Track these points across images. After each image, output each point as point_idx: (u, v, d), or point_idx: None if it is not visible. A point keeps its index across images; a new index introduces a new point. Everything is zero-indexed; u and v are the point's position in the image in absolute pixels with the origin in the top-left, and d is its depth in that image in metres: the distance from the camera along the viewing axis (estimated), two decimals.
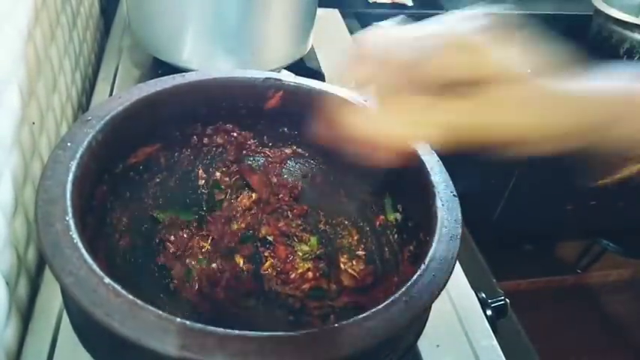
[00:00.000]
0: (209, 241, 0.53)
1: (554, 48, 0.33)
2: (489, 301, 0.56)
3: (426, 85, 0.30)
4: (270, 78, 0.51)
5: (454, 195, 0.42)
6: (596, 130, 0.32)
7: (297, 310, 0.49)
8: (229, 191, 0.55)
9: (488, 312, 0.55)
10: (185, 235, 0.52)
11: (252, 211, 0.55)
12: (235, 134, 0.54)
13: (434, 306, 0.38)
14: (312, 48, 0.85)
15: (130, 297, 0.31)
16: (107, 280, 0.31)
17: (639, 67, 0.34)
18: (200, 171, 0.55)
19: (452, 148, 0.31)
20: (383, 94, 0.32)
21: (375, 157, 0.33)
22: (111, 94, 0.77)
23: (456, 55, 0.30)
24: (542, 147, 0.31)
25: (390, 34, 0.32)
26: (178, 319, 0.30)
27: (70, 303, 0.39)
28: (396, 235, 0.49)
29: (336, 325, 0.32)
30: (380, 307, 0.33)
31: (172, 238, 0.51)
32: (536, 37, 0.33)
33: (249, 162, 0.56)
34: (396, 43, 0.32)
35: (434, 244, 0.38)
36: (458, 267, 0.58)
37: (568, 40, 0.33)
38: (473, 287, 0.57)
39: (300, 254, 0.53)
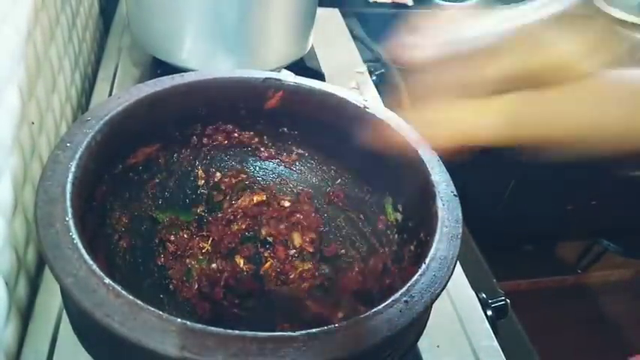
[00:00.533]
0: (209, 241, 0.53)
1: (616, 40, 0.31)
2: (489, 301, 0.56)
3: (488, 83, 0.29)
4: (270, 78, 0.51)
5: (455, 195, 0.42)
6: None
7: (298, 310, 0.49)
8: (230, 192, 0.55)
9: (489, 312, 0.55)
10: (185, 236, 0.52)
11: (252, 212, 0.55)
12: (235, 134, 0.54)
13: (434, 306, 0.38)
14: (312, 48, 0.85)
15: (130, 297, 0.31)
16: (107, 280, 0.31)
17: None
18: (200, 171, 0.54)
19: (507, 145, 0.29)
20: (446, 94, 0.30)
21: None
22: (110, 94, 0.77)
23: (524, 49, 0.29)
24: (601, 146, 0.30)
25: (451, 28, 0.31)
26: (178, 320, 0.30)
27: (69, 304, 0.39)
28: (396, 235, 0.49)
29: (336, 325, 0.32)
30: (380, 307, 0.33)
31: (172, 238, 0.51)
32: (604, 29, 0.32)
33: (250, 162, 0.56)
34: (458, 38, 0.30)
35: (434, 244, 0.38)
36: (458, 267, 0.58)
37: None
38: (473, 287, 0.57)
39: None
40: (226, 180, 0.55)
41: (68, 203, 0.35)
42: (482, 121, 0.29)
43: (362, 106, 0.49)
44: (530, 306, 0.89)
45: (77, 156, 0.39)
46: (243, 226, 0.54)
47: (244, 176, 0.56)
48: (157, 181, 0.51)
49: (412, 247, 0.45)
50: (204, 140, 0.53)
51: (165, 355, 0.29)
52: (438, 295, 0.35)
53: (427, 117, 0.30)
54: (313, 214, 0.55)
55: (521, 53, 0.29)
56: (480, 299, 0.56)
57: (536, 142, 0.30)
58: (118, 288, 0.31)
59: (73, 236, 0.33)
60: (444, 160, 0.44)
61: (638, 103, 0.30)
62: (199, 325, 0.30)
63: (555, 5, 0.29)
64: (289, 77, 0.52)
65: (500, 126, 0.29)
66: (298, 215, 0.55)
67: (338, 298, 0.49)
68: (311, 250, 0.53)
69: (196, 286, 0.49)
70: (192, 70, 0.51)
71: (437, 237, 0.39)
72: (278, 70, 0.75)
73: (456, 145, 0.30)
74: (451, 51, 0.30)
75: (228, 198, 0.55)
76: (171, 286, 0.49)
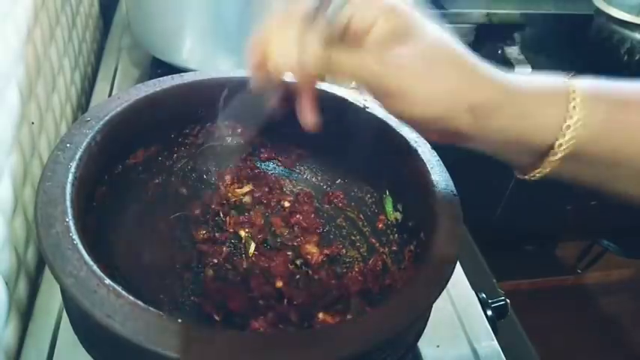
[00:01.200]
0: (209, 241, 0.53)
1: None
2: (490, 301, 0.56)
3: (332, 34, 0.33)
4: None
5: (455, 195, 0.42)
6: (475, 112, 0.34)
7: (303, 309, 0.49)
8: (229, 192, 0.55)
9: (489, 312, 0.55)
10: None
11: (253, 213, 0.55)
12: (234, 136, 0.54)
13: (434, 306, 0.38)
14: None
15: (131, 298, 0.31)
16: (108, 281, 0.31)
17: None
18: (199, 172, 0.54)
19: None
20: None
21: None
22: (110, 93, 0.77)
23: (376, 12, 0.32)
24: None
25: None
26: (179, 321, 0.30)
27: (70, 304, 0.39)
28: (396, 235, 0.49)
29: (337, 325, 0.32)
30: (380, 307, 0.33)
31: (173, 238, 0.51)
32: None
33: (250, 162, 0.56)
34: None
35: (434, 244, 0.38)
36: (458, 267, 0.58)
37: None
38: (473, 287, 0.57)
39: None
40: (226, 180, 0.55)
41: (68, 204, 0.35)
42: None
43: (362, 106, 0.49)
44: (530, 306, 0.89)
45: (77, 156, 0.39)
46: (246, 228, 0.54)
47: (244, 176, 0.56)
48: (157, 181, 0.51)
49: (412, 247, 0.45)
50: (204, 140, 0.53)
51: (165, 356, 0.29)
52: (438, 295, 0.35)
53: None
54: (313, 215, 0.54)
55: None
56: (480, 299, 0.56)
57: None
58: (119, 289, 0.31)
59: (74, 237, 0.33)
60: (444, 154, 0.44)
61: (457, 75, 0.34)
62: (200, 326, 0.30)
63: None
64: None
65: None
66: (298, 215, 0.55)
67: (347, 302, 0.48)
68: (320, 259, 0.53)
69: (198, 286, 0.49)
70: (192, 70, 0.51)
71: (437, 237, 0.39)
72: None
73: None
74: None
75: (228, 198, 0.55)
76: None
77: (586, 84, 0.34)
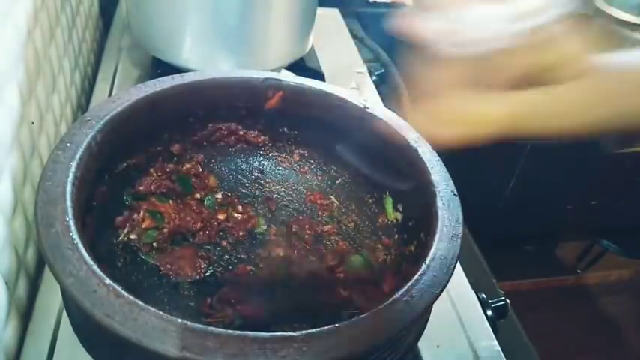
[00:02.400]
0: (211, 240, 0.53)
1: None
2: (490, 301, 0.56)
3: (495, 80, 0.30)
4: (269, 78, 0.51)
5: (455, 194, 0.42)
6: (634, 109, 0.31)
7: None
8: (229, 192, 0.55)
9: (489, 312, 0.55)
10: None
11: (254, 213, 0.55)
12: (235, 135, 0.54)
13: (434, 306, 0.38)
14: (312, 48, 0.85)
15: (131, 297, 0.31)
16: (107, 280, 0.31)
17: None
18: (199, 172, 0.54)
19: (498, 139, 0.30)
20: (450, 92, 0.31)
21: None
22: (110, 93, 0.77)
23: (530, 50, 0.30)
24: (589, 131, 0.31)
25: (454, 24, 0.31)
26: (179, 320, 0.30)
27: (70, 304, 0.39)
28: (396, 235, 0.49)
29: (337, 325, 0.32)
30: (380, 307, 0.33)
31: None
32: (604, 29, 0.33)
33: (250, 162, 0.56)
34: (464, 37, 0.31)
35: (435, 244, 0.38)
36: (458, 267, 0.58)
37: None
38: (473, 287, 0.57)
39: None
40: (226, 180, 0.55)
41: (68, 203, 0.36)
42: (496, 113, 0.30)
43: (362, 106, 0.49)
44: (530, 306, 0.89)
45: (77, 156, 0.39)
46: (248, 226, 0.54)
47: (244, 177, 0.56)
48: (157, 181, 0.51)
49: (412, 247, 0.45)
50: (204, 140, 0.53)
51: (165, 355, 0.29)
52: (438, 295, 0.35)
53: (440, 108, 0.31)
54: (313, 214, 0.54)
55: (532, 54, 0.30)
56: (480, 299, 0.56)
57: (542, 134, 0.31)
58: (119, 288, 0.31)
59: (74, 236, 0.33)
60: (444, 154, 0.44)
61: (628, 90, 0.31)
62: (200, 326, 0.30)
63: (559, 8, 0.30)
64: (289, 77, 0.52)
65: (513, 118, 0.30)
66: (299, 217, 0.55)
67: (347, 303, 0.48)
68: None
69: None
70: (193, 70, 0.51)
71: (437, 237, 0.39)
72: (278, 70, 0.75)
73: (462, 139, 0.31)
74: (466, 51, 0.30)
75: (229, 198, 0.55)
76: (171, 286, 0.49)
77: None
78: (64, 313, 0.45)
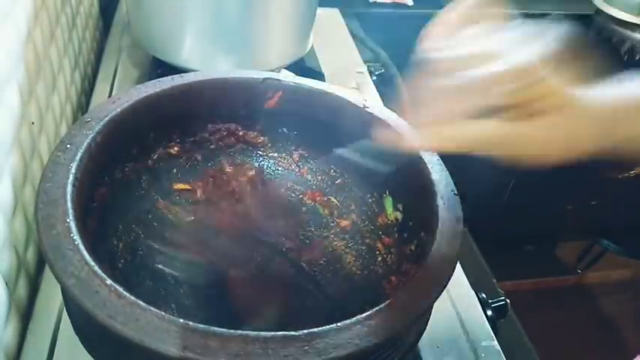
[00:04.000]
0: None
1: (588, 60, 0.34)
2: (490, 301, 0.56)
3: (477, 109, 0.32)
4: (269, 78, 0.51)
5: (455, 194, 0.42)
6: (614, 138, 0.35)
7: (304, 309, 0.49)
8: (229, 192, 0.55)
9: (489, 312, 0.55)
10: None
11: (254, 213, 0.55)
12: (236, 135, 0.54)
13: (434, 306, 0.38)
14: (312, 48, 0.85)
15: (132, 298, 0.31)
16: (109, 281, 0.31)
17: None
18: (199, 171, 0.54)
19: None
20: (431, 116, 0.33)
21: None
22: (110, 94, 0.77)
23: (514, 84, 0.31)
24: (566, 158, 0.34)
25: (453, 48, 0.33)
26: (180, 320, 0.30)
27: (71, 304, 0.39)
28: (396, 235, 0.49)
29: (337, 324, 0.32)
30: (380, 306, 0.33)
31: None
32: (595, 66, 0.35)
33: (250, 163, 0.56)
34: (456, 64, 0.32)
35: (435, 244, 0.38)
36: (458, 267, 0.58)
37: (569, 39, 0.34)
38: (473, 287, 0.57)
39: None
40: (226, 180, 0.55)
41: (69, 204, 0.35)
42: (471, 135, 0.33)
43: (362, 105, 0.49)
44: (530, 306, 0.89)
45: (77, 157, 0.39)
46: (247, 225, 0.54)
47: (244, 177, 0.56)
48: (158, 181, 0.51)
49: (412, 247, 0.45)
50: (204, 141, 0.53)
51: (167, 356, 0.29)
52: (439, 295, 0.35)
53: (430, 123, 0.33)
54: (313, 214, 0.54)
55: (520, 85, 0.32)
56: (480, 299, 0.56)
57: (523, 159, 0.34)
58: (120, 289, 0.31)
59: (74, 237, 0.33)
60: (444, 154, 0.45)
61: (606, 125, 0.34)
62: (201, 326, 0.30)
63: (552, 44, 0.32)
64: (289, 77, 0.52)
65: (487, 143, 0.33)
66: (298, 217, 0.55)
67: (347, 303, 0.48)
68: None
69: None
70: (193, 70, 0.51)
71: (437, 236, 0.39)
72: (278, 70, 0.75)
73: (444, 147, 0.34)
74: (463, 79, 0.32)
75: (230, 197, 0.55)
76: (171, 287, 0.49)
77: None
78: (64, 314, 0.45)
